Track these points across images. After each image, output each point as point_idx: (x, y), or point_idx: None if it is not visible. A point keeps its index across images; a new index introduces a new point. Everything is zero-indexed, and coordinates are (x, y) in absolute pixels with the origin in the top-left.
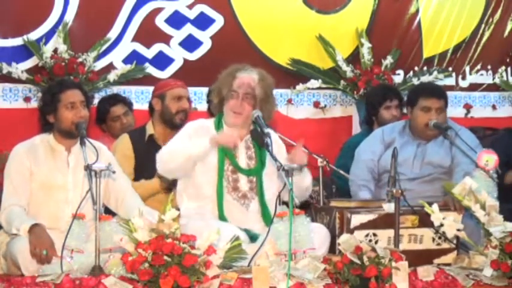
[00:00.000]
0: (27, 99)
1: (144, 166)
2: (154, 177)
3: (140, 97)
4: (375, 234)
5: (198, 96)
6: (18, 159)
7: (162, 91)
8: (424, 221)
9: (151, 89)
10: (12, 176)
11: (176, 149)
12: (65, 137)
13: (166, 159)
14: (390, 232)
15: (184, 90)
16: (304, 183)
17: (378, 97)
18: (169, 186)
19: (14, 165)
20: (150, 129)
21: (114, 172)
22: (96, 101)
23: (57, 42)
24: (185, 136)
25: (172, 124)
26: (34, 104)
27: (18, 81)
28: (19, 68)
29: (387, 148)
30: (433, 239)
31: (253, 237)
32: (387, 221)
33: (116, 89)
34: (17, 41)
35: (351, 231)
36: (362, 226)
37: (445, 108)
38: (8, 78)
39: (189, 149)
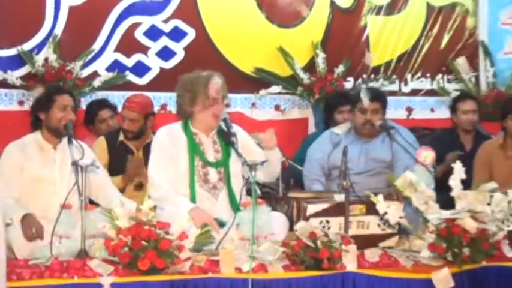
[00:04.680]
0: (21, 102)
1: (115, 165)
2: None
3: (121, 101)
4: (327, 221)
5: (173, 100)
6: (10, 156)
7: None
8: (371, 209)
9: (131, 94)
10: (5, 171)
11: (159, 199)
12: (52, 135)
13: (154, 199)
14: (341, 219)
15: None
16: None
17: (332, 103)
18: (141, 184)
19: (6, 162)
20: (121, 135)
21: (98, 167)
22: (83, 105)
23: (47, 53)
24: (161, 157)
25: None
26: (27, 107)
27: (13, 86)
28: (14, 75)
29: (335, 147)
30: (378, 225)
31: (221, 224)
32: (338, 210)
33: (100, 94)
34: (12, 51)
35: (307, 219)
36: (316, 214)
37: (383, 110)
38: (4, 84)
39: (172, 204)
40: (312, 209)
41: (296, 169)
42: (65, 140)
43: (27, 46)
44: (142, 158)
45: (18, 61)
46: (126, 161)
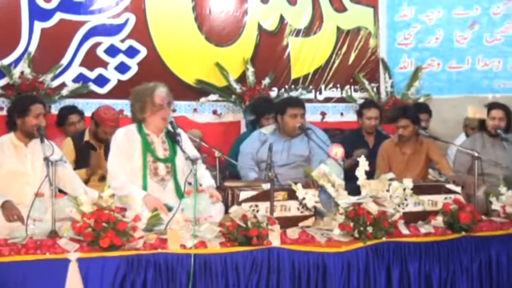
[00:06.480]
0: (1, 108)
1: (81, 160)
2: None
3: (85, 107)
4: (256, 205)
5: (129, 107)
6: None
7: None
8: (291, 195)
9: (93, 101)
10: None
11: (117, 188)
12: (25, 136)
13: (113, 188)
14: (267, 204)
15: None
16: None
17: (260, 111)
18: (103, 176)
19: None
20: (86, 136)
21: (65, 162)
22: (53, 110)
23: (23, 67)
24: (118, 154)
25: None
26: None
27: None
28: None
29: (262, 144)
30: (298, 208)
31: (169, 209)
32: (265, 196)
33: (67, 101)
34: None
35: (239, 204)
36: (247, 200)
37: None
38: None
39: (127, 192)
40: (243, 195)
41: (230, 163)
42: (35, 139)
43: (6, 61)
44: (103, 155)
45: None
46: (90, 157)
